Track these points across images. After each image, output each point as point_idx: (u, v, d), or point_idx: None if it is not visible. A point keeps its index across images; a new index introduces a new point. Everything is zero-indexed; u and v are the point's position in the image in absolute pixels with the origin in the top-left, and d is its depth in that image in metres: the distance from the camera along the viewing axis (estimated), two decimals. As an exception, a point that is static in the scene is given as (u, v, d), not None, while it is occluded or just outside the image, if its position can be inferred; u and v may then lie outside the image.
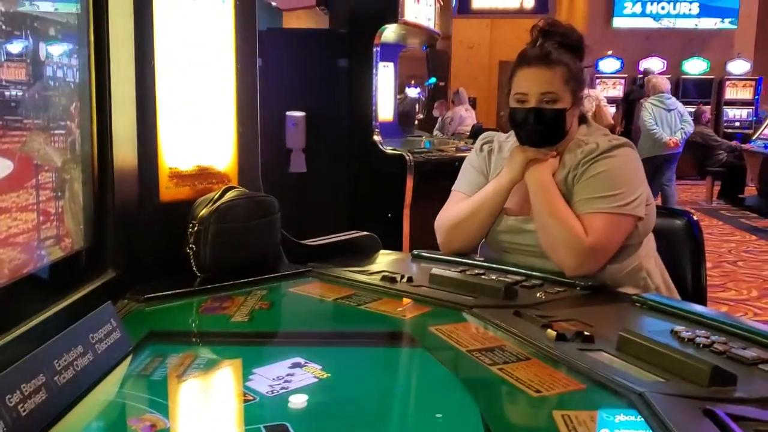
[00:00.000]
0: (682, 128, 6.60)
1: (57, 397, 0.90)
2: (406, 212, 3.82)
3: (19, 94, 1.08)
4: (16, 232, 1.05)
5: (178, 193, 1.51)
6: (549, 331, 1.22)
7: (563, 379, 1.06)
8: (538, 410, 0.97)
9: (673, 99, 6.96)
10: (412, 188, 3.79)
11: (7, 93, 1.04)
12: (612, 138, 1.72)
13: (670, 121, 6.60)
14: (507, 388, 1.02)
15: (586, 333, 1.21)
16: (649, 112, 6.64)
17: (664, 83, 6.95)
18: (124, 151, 1.40)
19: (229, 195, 1.52)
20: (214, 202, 1.49)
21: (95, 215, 1.33)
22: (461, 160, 1.95)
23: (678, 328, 1.27)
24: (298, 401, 0.91)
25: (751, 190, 8.34)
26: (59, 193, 1.19)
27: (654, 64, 11.28)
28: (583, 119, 1.77)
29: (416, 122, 8.85)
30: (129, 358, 1.11)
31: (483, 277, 1.57)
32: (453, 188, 1.87)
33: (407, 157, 3.77)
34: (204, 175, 1.56)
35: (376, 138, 3.83)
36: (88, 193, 1.32)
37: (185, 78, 1.51)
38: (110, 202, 1.35)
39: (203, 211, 1.48)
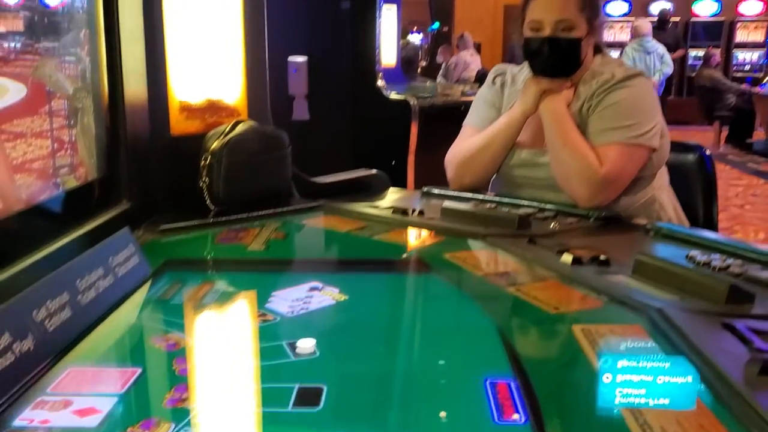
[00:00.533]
0: (660, 69, 6.72)
1: (81, 316, 0.91)
2: (411, 159, 3.79)
3: (31, 18, 1.06)
4: (31, 158, 1.05)
5: (189, 126, 1.50)
6: (565, 255, 1.22)
7: (581, 297, 1.06)
8: (557, 325, 0.98)
9: (653, 42, 7.05)
10: (416, 134, 3.75)
11: (19, 16, 1.03)
12: (627, 68, 1.69)
13: (648, 64, 6.74)
14: (524, 306, 1.03)
15: (602, 257, 1.22)
16: (629, 56, 6.75)
17: (645, 26, 7.06)
18: (134, 84, 1.39)
19: (239, 128, 1.51)
20: (225, 135, 1.48)
21: (108, 147, 1.33)
22: (468, 104, 1.93)
23: (693, 253, 1.27)
24: (306, 346, 0.89)
25: (759, 135, 8.27)
26: (72, 122, 1.19)
27: (662, 6, 11.05)
28: (597, 49, 1.74)
29: (419, 69, 8.73)
30: (148, 284, 1.12)
31: (496, 209, 1.56)
32: (464, 123, 1.85)
33: (412, 103, 3.72)
34: (214, 108, 1.55)
35: (380, 83, 3.78)
36: (100, 125, 1.32)
37: (193, 12, 1.49)
38: (122, 134, 1.34)
39: (215, 144, 1.47)
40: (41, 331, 0.81)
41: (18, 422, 0.72)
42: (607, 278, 1.14)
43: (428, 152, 3.58)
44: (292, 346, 0.89)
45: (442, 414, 0.69)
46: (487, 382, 0.79)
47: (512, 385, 0.79)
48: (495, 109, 1.79)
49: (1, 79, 0.99)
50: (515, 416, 0.73)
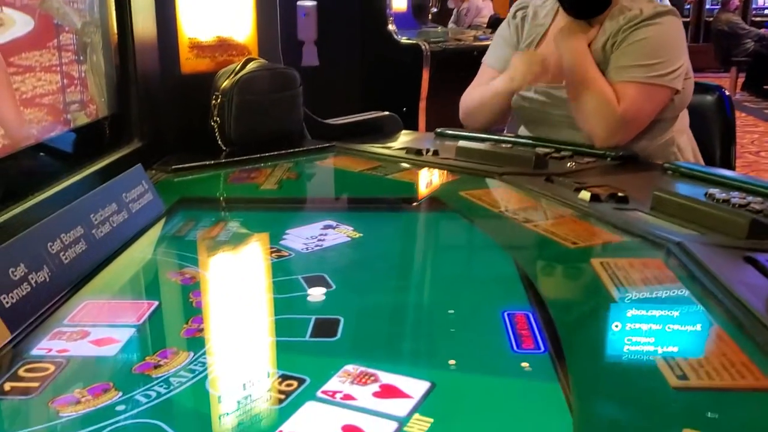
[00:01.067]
0: None
1: (96, 250, 0.90)
2: (422, 105, 3.74)
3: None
4: (41, 92, 1.03)
5: (199, 64, 1.48)
6: (583, 192, 1.20)
7: (599, 233, 1.05)
8: (575, 259, 0.97)
9: None
10: (428, 80, 3.69)
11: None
12: (657, 5, 1.63)
13: None
14: (542, 241, 1.02)
15: (620, 194, 1.20)
16: None
17: None
18: (143, 21, 1.36)
19: (250, 66, 1.48)
20: (236, 74, 1.46)
21: (118, 85, 1.31)
22: (480, 49, 1.89)
23: (712, 190, 1.24)
24: (317, 293, 0.86)
25: (777, 81, 8.12)
26: (81, 58, 1.17)
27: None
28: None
29: (430, 16, 8.56)
30: (162, 222, 1.11)
31: (512, 148, 1.54)
32: (483, 60, 1.82)
33: (423, 47, 3.65)
34: (224, 46, 1.52)
35: (391, 28, 3.71)
36: (110, 62, 1.29)
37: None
38: (132, 72, 1.32)
39: (225, 83, 1.45)
40: (56, 263, 0.81)
41: (36, 351, 0.72)
42: (626, 214, 1.12)
43: (440, 98, 3.53)
44: (306, 281, 0.89)
45: (451, 362, 0.69)
46: (505, 314, 0.78)
47: (530, 317, 0.78)
48: (512, 49, 1.75)
49: (8, 10, 0.96)
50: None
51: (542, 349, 0.72)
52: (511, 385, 0.67)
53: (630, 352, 0.71)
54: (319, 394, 0.64)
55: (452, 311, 0.81)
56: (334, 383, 0.65)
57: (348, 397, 0.63)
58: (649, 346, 0.72)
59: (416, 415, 0.60)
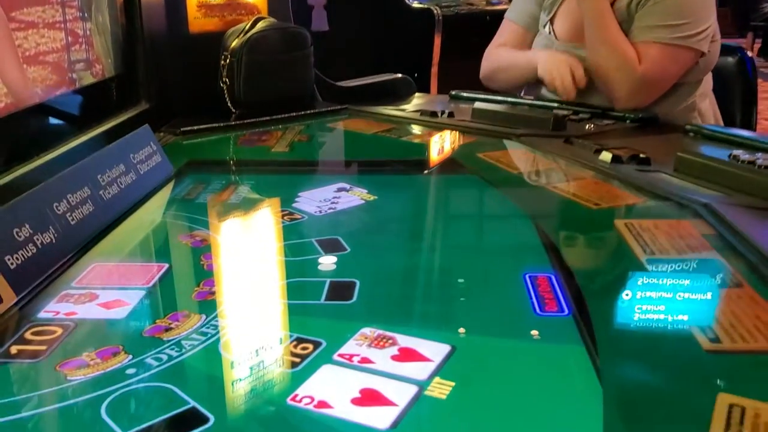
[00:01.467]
0: None
1: (103, 211, 0.88)
2: (434, 70, 3.68)
3: None
4: (45, 50, 1.00)
5: (207, 23, 1.44)
6: (604, 153, 1.16)
7: (622, 194, 1.01)
8: (598, 220, 0.93)
9: None
10: (440, 45, 3.63)
11: None
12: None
13: None
14: (563, 203, 0.99)
15: (642, 155, 1.16)
16: None
17: None
18: (149, -22, 1.32)
19: (260, 25, 1.44)
20: (245, 33, 1.41)
21: (124, 45, 1.27)
22: (494, 14, 1.84)
23: (736, 152, 1.20)
24: (328, 262, 0.83)
25: (795, 47, 7.95)
26: (86, 14, 1.13)
27: None
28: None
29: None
30: (171, 184, 1.09)
31: (529, 110, 1.50)
32: (505, 15, 1.76)
33: (435, 12, 3.58)
34: (233, 5, 1.47)
35: (402, -8, 3.63)
36: (115, 21, 1.26)
37: None
38: (139, 31, 1.29)
39: (234, 43, 1.41)
40: (63, 224, 0.78)
41: (43, 314, 0.70)
42: (648, 176, 1.08)
43: (452, 63, 3.47)
44: (320, 244, 0.86)
45: (461, 330, 0.66)
46: (527, 276, 0.75)
47: (553, 279, 0.75)
48: (536, 4, 1.70)
49: (8, -37, 0.93)
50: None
51: (566, 311, 0.69)
52: (535, 349, 0.64)
53: (659, 316, 0.68)
54: (335, 357, 0.61)
55: (471, 274, 0.78)
56: (350, 346, 0.63)
57: (365, 360, 0.61)
58: (679, 308, 0.69)
59: (437, 379, 0.58)
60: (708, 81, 1.66)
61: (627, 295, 0.73)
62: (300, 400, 0.55)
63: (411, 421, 0.53)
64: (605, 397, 0.55)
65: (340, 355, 0.61)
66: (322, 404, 0.55)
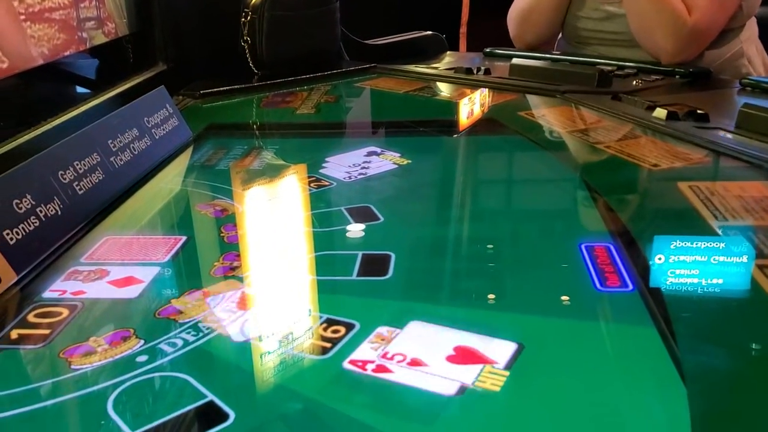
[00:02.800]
0: None
1: (115, 179, 0.81)
2: (463, 30, 3.56)
3: None
4: (51, 6, 0.93)
5: (227, -21, 1.35)
6: (658, 110, 1.06)
7: (681, 153, 0.92)
8: (659, 183, 0.84)
9: None
10: (469, 5, 3.50)
11: None
12: None
13: None
14: (618, 163, 0.89)
15: (699, 111, 1.06)
16: None
17: None
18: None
19: (282, -21, 1.35)
20: (267, -12, 1.33)
21: (139, 1, 1.19)
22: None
23: (803, 105, 1.10)
24: (356, 229, 0.77)
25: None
26: (94, -32, 1.05)
27: None
28: None
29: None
30: (190, 150, 1.01)
31: (570, 66, 1.40)
32: None
33: (464, -32, 3.45)
34: (253, -41, 1.38)
35: (429, -54, 3.50)
36: (128, -24, 1.18)
37: None
38: (153, -13, 1.21)
39: (255, -1, 1.32)
40: (69, 194, 0.72)
41: (48, 294, 0.64)
42: (708, 133, 0.99)
43: (481, 23, 3.34)
44: (350, 213, 0.79)
45: (491, 296, 0.58)
46: (583, 247, 0.67)
47: (612, 249, 0.67)
48: None
49: None
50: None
51: (630, 287, 0.61)
52: (598, 328, 0.56)
53: (740, 290, 0.60)
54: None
55: (520, 245, 0.70)
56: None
57: (406, 345, 0.54)
58: (762, 280, 0.60)
59: (490, 369, 0.50)
60: (753, 25, 1.55)
61: (701, 267, 0.64)
62: (363, 366, 0.50)
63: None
64: (689, 389, 0.47)
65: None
66: (416, 362, 0.51)
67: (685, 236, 0.63)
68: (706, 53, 1.47)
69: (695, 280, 0.62)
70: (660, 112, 1.05)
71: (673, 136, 0.98)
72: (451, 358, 0.52)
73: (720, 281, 0.61)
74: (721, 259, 0.64)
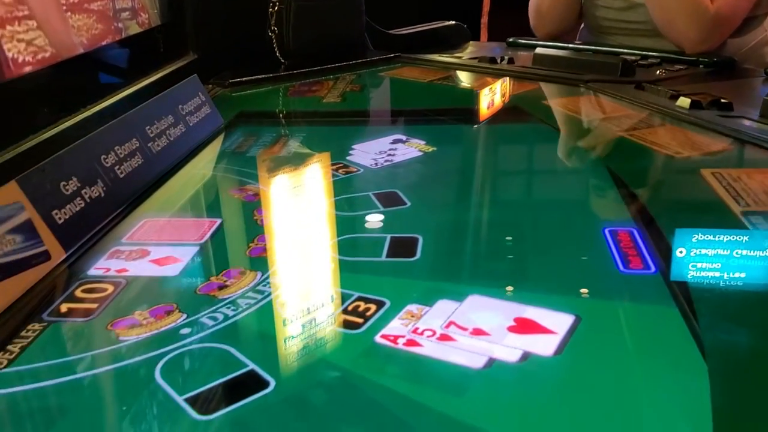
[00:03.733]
0: None
1: (153, 164, 0.84)
2: (484, 21, 3.56)
3: None
4: (89, -3, 0.96)
5: (255, -30, 1.37)
6: (681, 99, 1.08)
7: (704, 141, 0.93)
8: (682, 170, 0.86)
9: None
10: (491, -5, 3.50)
11: None
12: None
13: None
14: (641, 151, 0.91)
15: (723, 100, 1.07)
16: None
17: None
18: None
19: (309, -30, 1.37)
20: (294, -21, 1.35)
21: (169, -7, 1.22)
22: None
23: (828, 95, 1.10)
24: (374, 219, 0.78)
25: None
26: (129, -40, 1.08)
27: None
28: None
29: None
30: (221, 137, 1.04)
31: (593, 55, 1.41)
32: None
33: (486, -42, 3.44)
34: (280, -50, 1.41)
35: (452, -63, 3.49)
36: (160, -32, 1.20)
37: None
38: (184, -21, 1.23)
39: (283, -11, 1.35)
40: (111, 178, 0.75)
41: (93, 271, 0.67)
42: (732, 122, 1.00)
43: (502, 13, 3.33)
44: (378, 198, 0.81)
45: (509, 288, 0.60)
46: (607, 231, 0.69)
47: (635, 233, 0.69)
48: None
49: None
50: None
51: (652, 269, 0.63)
52: (621, 309, 0.58)
53: (763, 275, 0.61)
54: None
55: (544, 229, 0.72)
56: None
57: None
58: (782, 266, 0.62)
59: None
60: None
61: (723, 250, 0.66)
62: (394, 340, 0.52)
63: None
64: (710, 367, 0.49)
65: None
66: (478, 332, 0.54)
67: (708, 222, 0.65)
68: (730, 41, 1.47)
69: (721, 266, 0.64)
70: (683, 101, 1.06)
71: (697, 125, 0.99)
72: (512, 329, 0.55)
73: (745, 266, 0.63)
74: (746, 245, 0.65)
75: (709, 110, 1.05)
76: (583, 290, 0.60)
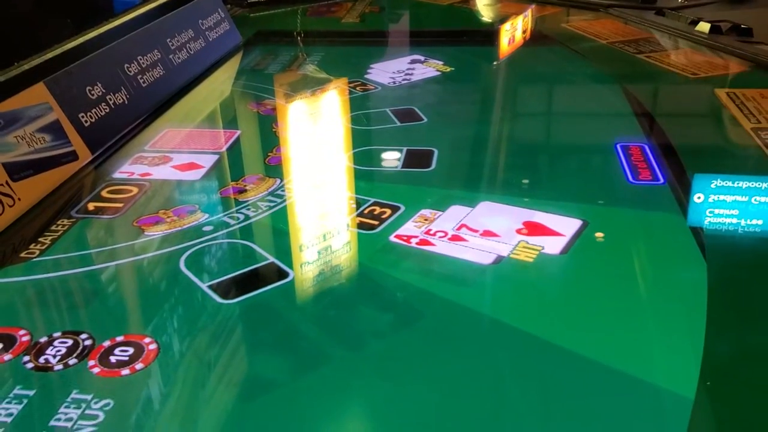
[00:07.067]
0: None
1: (174, 75, 0.85)
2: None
3: None
4: None
5: None
6: (701, 23, 1.07)
7: (722, 63, 0.93)
8: (697, 90, 0.86)
9: None
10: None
11: None
12: None
13: None
14: (658, 72, 0.91)
15: (743, 26, 1.06)
16: None
17: None
18: None
19: None
20: None
21: None
22: None
23: None
24: (391, 157, 0.77)
25: None
26: None
27: None
28: None
29: None
30: (240, 54, 1.05)
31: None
32: None
33: None
34: None
35: None
36: None
37: None
38: None
39: None
40: (134, 86, 0.76)
41: (118, 174, 0.69)
42: (751, 46, 0.99)
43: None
44: (395, 114, 0.82)
45: (521, 195, 0.62)
46: (618, 146, 0.70)
47: (646, 148, 0.70)
48: None
49: None
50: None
51: (661, 180, 0.64)
52: (630, 216, 0.60)
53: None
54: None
55: (559, 143, 0.74)
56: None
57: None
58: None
59: (524, 244, 0.55)
60: None
61: (732, 162, 0.67)
62: (408, 239, 0.54)
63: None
64: (708, 263, 0.51)
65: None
66: (488, 233, 0.56)
67: (720, 138, 0.65)
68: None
69: (731, 177, 0.64)
70: (703, 26, 1.05)
71: (716, 48, 0.98)
72: (521, 231, 0.57)
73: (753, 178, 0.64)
74: (757, 158, 0.66)
75: (729, 35, 1.04)
76: (595, 197, 0.62)
